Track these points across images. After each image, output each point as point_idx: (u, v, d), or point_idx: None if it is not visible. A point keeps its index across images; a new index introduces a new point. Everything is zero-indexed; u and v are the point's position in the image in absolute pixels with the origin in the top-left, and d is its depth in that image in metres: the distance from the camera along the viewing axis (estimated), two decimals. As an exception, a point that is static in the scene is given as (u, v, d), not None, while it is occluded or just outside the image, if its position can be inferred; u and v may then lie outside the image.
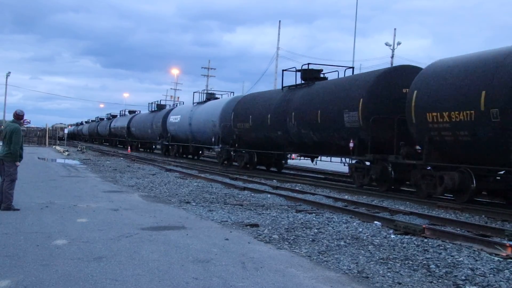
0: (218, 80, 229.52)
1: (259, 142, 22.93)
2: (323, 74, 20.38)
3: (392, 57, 47.28)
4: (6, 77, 64.48)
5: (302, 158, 23.12)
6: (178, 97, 43.31)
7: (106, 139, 65.62)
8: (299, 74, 20.81)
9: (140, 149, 48.51)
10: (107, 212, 9.52)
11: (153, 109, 44.34)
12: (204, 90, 33.70)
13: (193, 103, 33.28)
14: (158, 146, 44.45)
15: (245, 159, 24.17)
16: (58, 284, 4.93)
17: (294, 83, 20.97)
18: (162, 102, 46.33)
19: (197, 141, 31.48)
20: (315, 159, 21.50)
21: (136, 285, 4.99)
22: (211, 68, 70.08)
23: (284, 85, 21.68)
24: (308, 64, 20.48)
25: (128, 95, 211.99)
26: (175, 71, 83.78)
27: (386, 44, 48.54)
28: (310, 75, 20.09)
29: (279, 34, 54.51)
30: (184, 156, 35.68)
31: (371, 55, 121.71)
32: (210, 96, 32.76)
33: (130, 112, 58.12)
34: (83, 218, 8.76)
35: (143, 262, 5.88)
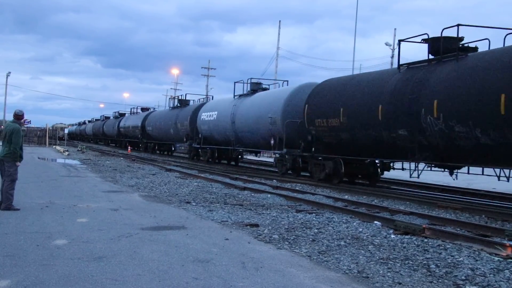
0: (218, 80, 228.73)
1: (358, 145, 16.55)
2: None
3: (392, 57, 47.31)
4: (7, 77, 64.39)
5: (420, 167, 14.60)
6: (178, 97, 42.95)
7: (113, 139, 59.04)
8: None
9: (157, 151, 42.29)
10: (107, 212, 9.53)
11: (174, 105, 37.40)
12: (249, 79, 26.30)
13: (234, 96, 26.87)
14: (180, 148, 39.05)
15: (327, 170, 17.58)
16: (58, 284, 4.93)
17: (421, 59, 14.51)
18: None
19: (243, 143, 25.12)
20: (456, 170, 14.11)
21: (136, 285, 4.99)
22: (211, 68, 70.34)
23: (401, 63, 15.16)
24: (456, 26, 13.44)
25: (129, 95, 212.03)
26: (175, 71, 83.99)
27: (386, 44, 48.60)
28: (450, 45, 13.57)
29: (279, 34, 54.71)
30: (217, 161, 29.04)
31: (371, 55, 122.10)
32: (257, 87, 25.75)
33: (143, 109, 51.59)
34: (83, 218, 8.77)
35: (143, 262, 5.88)
